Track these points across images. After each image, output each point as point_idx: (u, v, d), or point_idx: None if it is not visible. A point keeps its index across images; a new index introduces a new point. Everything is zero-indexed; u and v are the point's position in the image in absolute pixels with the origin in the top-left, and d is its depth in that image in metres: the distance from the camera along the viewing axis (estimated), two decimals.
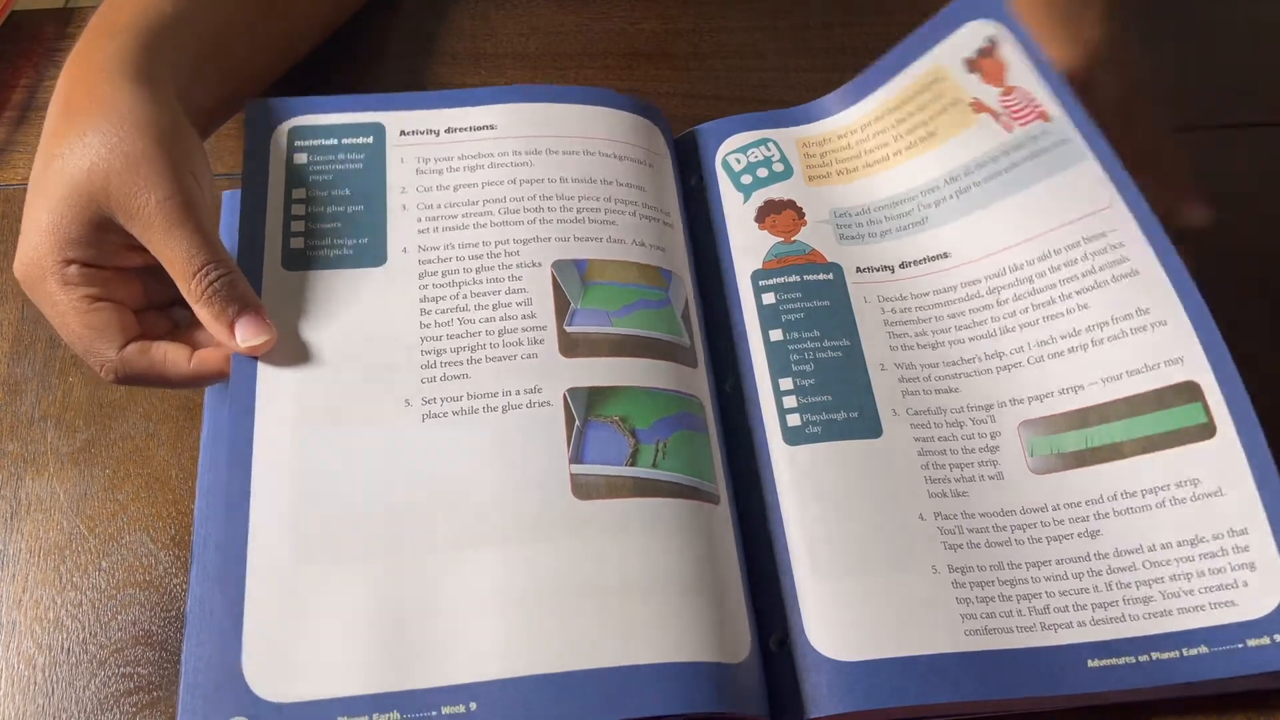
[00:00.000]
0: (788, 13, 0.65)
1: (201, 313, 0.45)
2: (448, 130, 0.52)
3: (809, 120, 0.56)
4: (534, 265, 0.49)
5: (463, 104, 0.53)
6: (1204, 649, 0.41)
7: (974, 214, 0.51)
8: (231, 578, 0.41)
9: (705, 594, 0.42)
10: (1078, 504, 0.45)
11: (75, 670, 0.45)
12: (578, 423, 0.45)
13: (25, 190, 0.45)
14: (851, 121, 0.55)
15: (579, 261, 0.49)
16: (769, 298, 0.50)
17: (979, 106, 0.52)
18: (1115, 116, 0.49)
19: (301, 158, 0.50)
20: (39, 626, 0.46)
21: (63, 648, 0.46)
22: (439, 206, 0.50)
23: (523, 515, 0.43)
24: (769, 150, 0.55)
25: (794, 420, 0.47)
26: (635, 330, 0.47)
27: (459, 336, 0.47)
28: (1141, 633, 0.42)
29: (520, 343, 0.47)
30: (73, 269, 0.44)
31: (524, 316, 0.47)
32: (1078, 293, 0.47)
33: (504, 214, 0.50)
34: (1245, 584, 0.41)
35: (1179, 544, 0.43)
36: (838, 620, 0.43)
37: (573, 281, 0.48)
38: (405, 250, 0.49)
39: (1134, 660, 0.41)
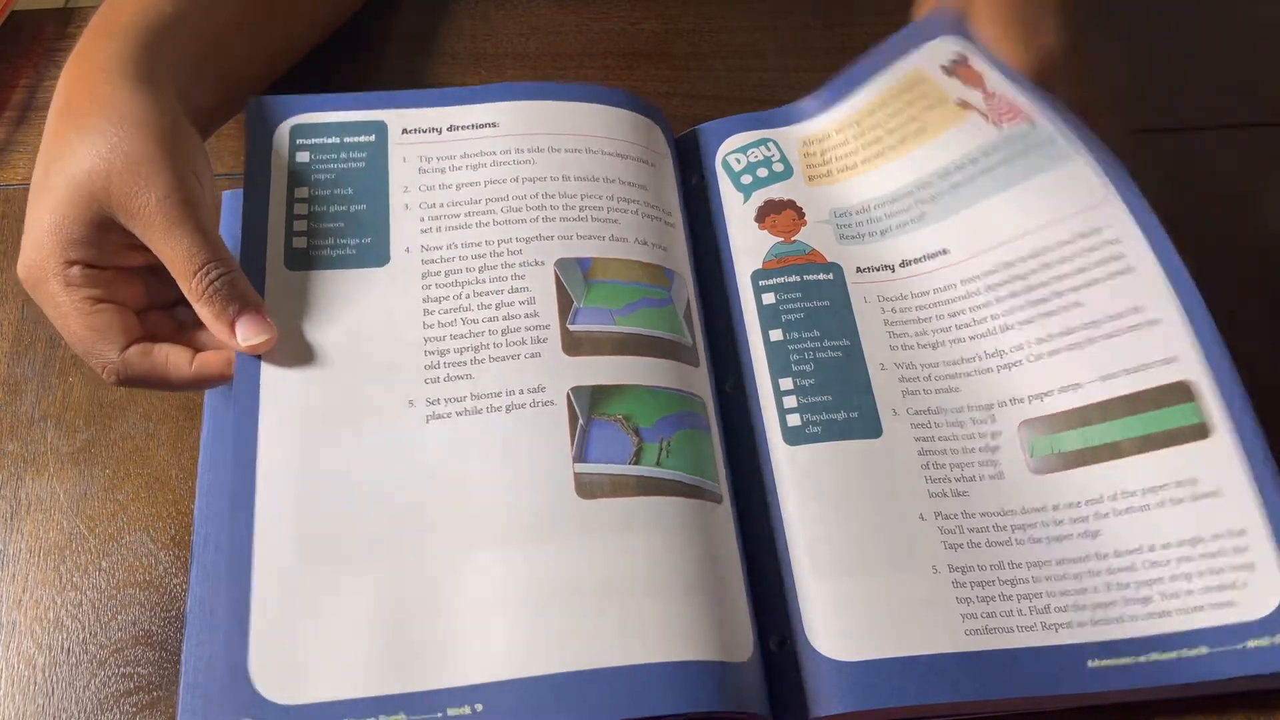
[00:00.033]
0: (788, 13, 0.65)
1: (202, 311, 0.45)
2: (450, 128, 0.52)
3: (807, 116, 0.56)
4: (537, 264, 0.48)
5: (464, 101, 0.53)
6: (1204, 650, 0.41)
7: (969, 210, 0.51)
8: (237, 580, 0.41)
9: (709, 593, 0.42)
10: (1077, 504, 0.45)
11: (75, 670, 0.45)
12: (581, 421, 0.45)
13: (25, 190, 0.45)
14: (846, 116, 0.55)
15: (582, 260, 0.49)
16: (769, 298, 0.50)
17: (965, 105, 0.52)
18: None
19: (304, 156, 0.50)
20: (39, 626, 0.46)
21: (63, 648, 0.46)
22: (441, 205, 0.50)
23: (527, 515, 0.43)
24: (769, 150, 0.55)
25: (794, 420, 0.47)
26: (638, 329, 0.47)
27: (462, 337, 0.47)
28: (1142, 633, 0.42)
29: (523, 342, 0.47)
30: (75, 270, 0.44)
31: (527, 315, 0.47)
32: (1073, 290, 0.47)
33: (506, 212, 0.50)
34: (1245, 584, 0.41)
35: (1179, 544, 0.43)
36: (837, 620, 0.43)
37: (576, 280, 0.48)
38: (408, 250, 0.49)
39: (1134, 661, 0.42)
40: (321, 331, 0.46)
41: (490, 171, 0.51)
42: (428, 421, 0.45)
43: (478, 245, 0.49)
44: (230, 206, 0.53)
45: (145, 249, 0.45)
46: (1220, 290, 0.45)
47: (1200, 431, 0.44)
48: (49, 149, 0.45)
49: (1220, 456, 0.43)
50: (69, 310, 0.44)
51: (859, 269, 0.51)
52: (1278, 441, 0.43)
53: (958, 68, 0.52)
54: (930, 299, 0.50)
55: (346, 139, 0.51)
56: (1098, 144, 0.48)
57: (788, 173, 0.54)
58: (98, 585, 0.47)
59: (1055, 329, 0.47)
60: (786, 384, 0.48)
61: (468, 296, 0.48)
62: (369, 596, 0.41)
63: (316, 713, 0.39)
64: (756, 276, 0.51)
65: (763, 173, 0.54)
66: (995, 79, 0.50)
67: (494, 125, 0.52)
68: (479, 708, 0.39)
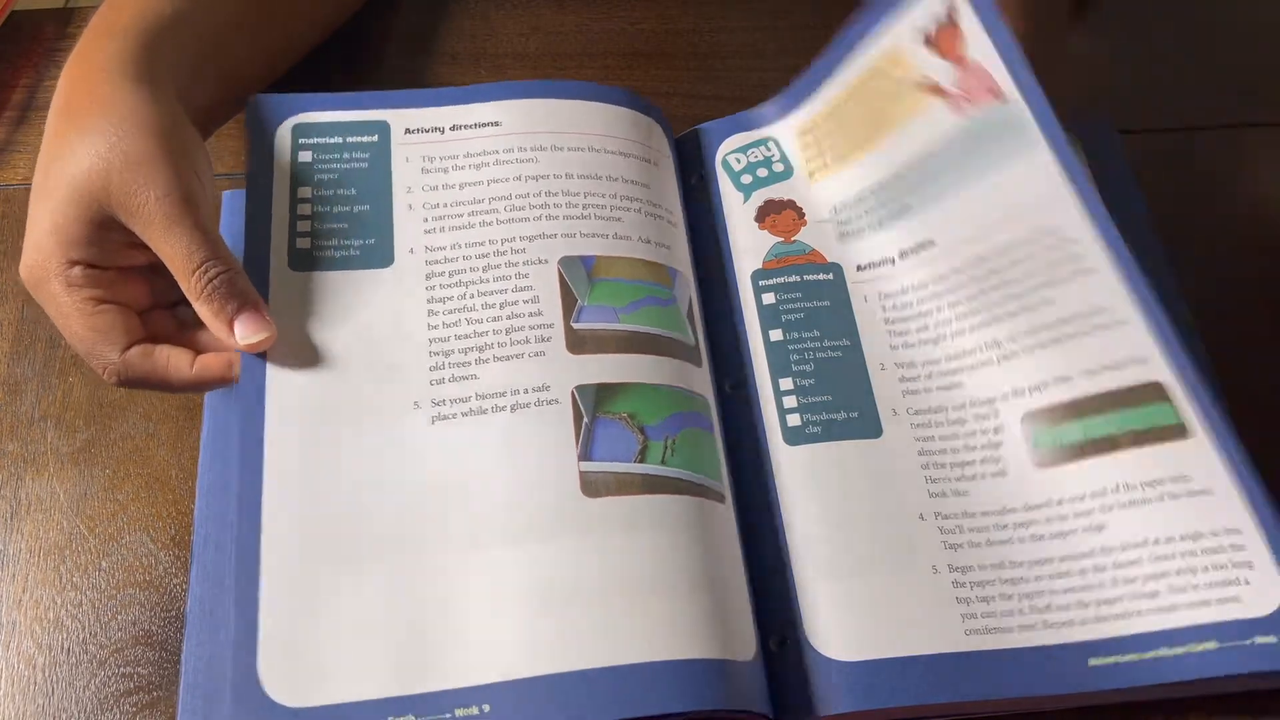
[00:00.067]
0: (788, 13, 0.65)
1: (201, 310, 0.45)
2: (452, 128, 0.52)
3: (801, 101, 0.55)
4: (540, 262, 0.48)
5: (466, 101, 0.52)
6: (1214, 644, 0.41)
7: (944, 201, 0.50)
8: (245, 583, 0.41)
9: (713, 592, 0.42)
10: (1081, 497, 0.44)
11: (75, 670, 0.45)
12: (586, 420, 0.45)
13: (25, 190, 0.45)
14: (835, 96, 0.54)
15: (586, 258, 0.49)
16: (769, 298, 0.50)
17: (933, 89, 0.51)
18: None
19: (306, 156, 0.50)
20: (39, 626, 0.46)
21: (63, 648, 0.46)
22: (445, 205, 0.50)
23: (533, 514, 0.43)
24: (769, 150, 0.55)
25: (794, 420, 0.47)
26: (642, 327, 0.47)
27: (467, 337, 0.47)
28: (1148, 628, 0.42)
29: (528, 341, 0.47)
30: (77, 270, 0.44)
31: (531, 314, 0.47)
32: (1045, 286, 0.47)
33: (510, 211, 0.50)
34: (1247, 581, 0.41)
35: (1181, 538, 0.42)
36: (838, 620, 0.43)
37: (580, 278, 0.48)
38: (412, 251, 0.49)
39: (1139, 657, 0.41)
40: (327, 332, 0.46)
41: (493, 170, 0.51)
42: (433, 423, 0.45)
43: (481, 245, 0.49)
44: (230, 206, 0.53)
45: (146, 248, 0.45)
46: (1220, 290, 0.45)
47: (1181, 431, 0.44)
48: (49, 149, 0.45)
49: (1204, 457, 0.43)
50: (70, 311, 0.44)
51: (859, 267, 0.51)
52: (1278, 441, 0.43)
53: (941, 32, 0.51)
54: (930, 290, 0.50)
55: (349, 139, 0.51)
56: (1059, 130, 0.47)
57: (788, 172, 0.54)
58: (98, 585, 0.47)
59: (1040, 321, 0.47)
60: (786, 384, 0.48)
61: (472, 296, 0.48)
62: (377, 598, 0.41)
63: (327, 715, 0.39)
64: (757, 276, 0.51)
65: (763, 173, 0.54)
66: (978, 41, 0.49)
67: (496, 124, 0.52)
68: (486, 708, 0.39)
